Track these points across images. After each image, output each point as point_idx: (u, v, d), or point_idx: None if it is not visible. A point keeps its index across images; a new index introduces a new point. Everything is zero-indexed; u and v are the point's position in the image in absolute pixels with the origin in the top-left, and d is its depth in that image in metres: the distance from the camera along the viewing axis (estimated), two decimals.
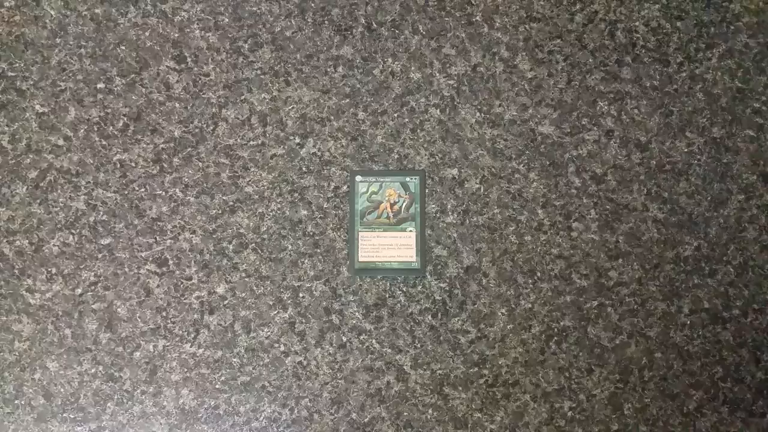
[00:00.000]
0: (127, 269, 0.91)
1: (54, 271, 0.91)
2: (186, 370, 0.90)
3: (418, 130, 0.94)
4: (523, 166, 0.93)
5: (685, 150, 0.93)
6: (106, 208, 0.92)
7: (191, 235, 0.92)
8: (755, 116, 0.93)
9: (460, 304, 0.91)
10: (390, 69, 0.94)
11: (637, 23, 0.95)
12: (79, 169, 0.93)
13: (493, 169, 0.93)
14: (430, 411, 0.90)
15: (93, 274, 0.91)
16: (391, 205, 0.92)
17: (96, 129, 0.93)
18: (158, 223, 0.92)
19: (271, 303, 0.91)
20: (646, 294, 0.91)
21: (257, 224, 0.92)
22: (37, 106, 0.93)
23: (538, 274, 0.91)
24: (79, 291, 0.91)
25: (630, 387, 0.90)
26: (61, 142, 0.93)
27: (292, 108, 0.94)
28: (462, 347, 0.91)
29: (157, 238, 0.92)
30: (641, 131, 0.93)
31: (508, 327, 0.91)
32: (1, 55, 0.94)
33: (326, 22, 0.95)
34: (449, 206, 0.92)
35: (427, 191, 0.93)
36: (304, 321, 0.91)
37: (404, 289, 0.91)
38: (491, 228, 0.92)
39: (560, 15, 0.95)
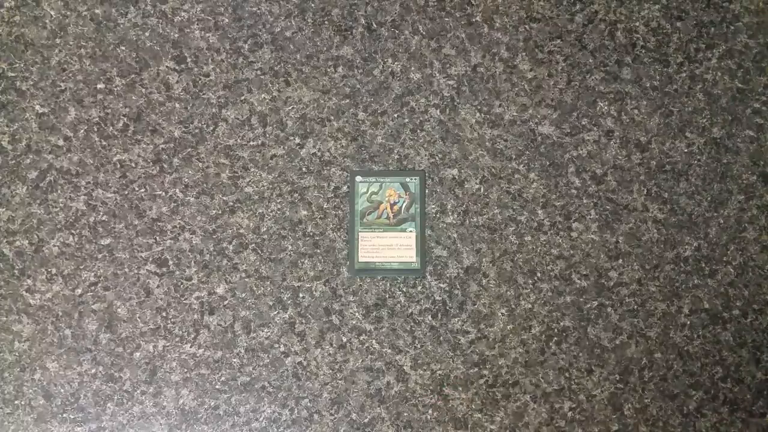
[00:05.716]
0: (127, 269, 0.91)
1: (54, 271, 0.91)
2: (186, 370, 0.90)
3: (418, 131, 0.94)
4: (523, 167, 0.93)
5: (685, 150, 0.93)
6: (106, 209, 0.92)
7: (191, 236, 0.92)
8: (755, 116, 0.93)
9: (460, 304, 0.91)
10: (390, 69, 0.94)
11: (637, 23, 0.95)
12: (79, 170, 0.93)
13: (493, 170, 0.93)
14: (430, 411, 0.90)
15: (93, 274, 0.91)
16: (391, 206, 0.92)
17: (96, 129, 0.93)
18: (158, 223, 0.92)
19: (271, 303, 0.91)
20: (646, 294, 0.91)
21: (257, 224, 0.92)
22: (37, 107, 0.93)
23: (538, 274, 0.91)
24: (79, 291, 0.91)
25: (630, 387, 0.90)
26: (61, 142, 0.93)
27: (292, 108, 0.94)
28: (462, 347, 0.91)
29: (157, 238, 0.92)
30: (641, 131, 0.93)
31: (508, 327, 0.91)
32: (1, 55, 0.94)
33: (326, 22, 0.95)
34: (449, 206, 0.92)
35: (427, 191, 0.93)
36: (304, 321, 0.91)
37: (404, 290, 0.91)
38: (491, 228, 0.92)
39: (560, 15, 0.95)
